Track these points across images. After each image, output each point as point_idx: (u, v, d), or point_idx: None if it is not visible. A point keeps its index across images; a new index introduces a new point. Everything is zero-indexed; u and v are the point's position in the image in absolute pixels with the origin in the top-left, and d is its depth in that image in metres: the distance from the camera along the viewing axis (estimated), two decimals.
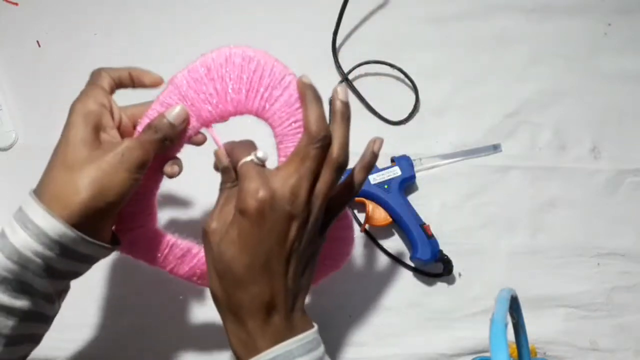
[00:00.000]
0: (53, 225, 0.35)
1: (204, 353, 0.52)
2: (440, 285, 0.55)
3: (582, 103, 0.62)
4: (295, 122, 0.40)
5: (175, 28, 0.65)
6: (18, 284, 0.36)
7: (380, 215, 0.55)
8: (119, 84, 0.43)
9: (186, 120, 0.40)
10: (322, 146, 0.37)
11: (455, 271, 0.55)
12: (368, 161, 0.43)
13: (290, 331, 0.36)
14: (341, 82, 0.61)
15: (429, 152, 0.59)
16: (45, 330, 0.41)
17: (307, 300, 0.54)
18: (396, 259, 0.56)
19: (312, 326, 0.38)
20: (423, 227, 0.54)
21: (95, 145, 0.38)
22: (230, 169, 0.39)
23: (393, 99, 0.62)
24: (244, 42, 0.64)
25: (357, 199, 0.55)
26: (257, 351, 0.35)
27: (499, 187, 0.58)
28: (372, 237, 0.56)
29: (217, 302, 0.37)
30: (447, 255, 0.54)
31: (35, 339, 0.41)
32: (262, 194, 0.34)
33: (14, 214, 0.38)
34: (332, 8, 0.62)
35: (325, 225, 0.39)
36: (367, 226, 0.55)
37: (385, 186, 0.55)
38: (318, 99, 0.39)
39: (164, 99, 0.41)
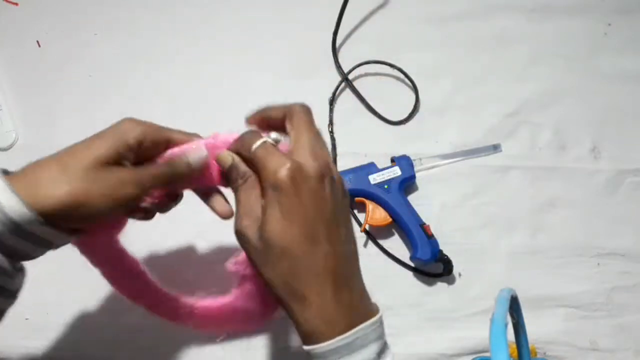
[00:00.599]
0: (10, 200, 0.35)
1: (204, 352, 0.52)
2: (440, 285, 0.55)
3: (582, 103, 0.62)
4: None
5: (175, 28, 0.65)
6: None
7: (380, 215, 0.55)
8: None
9: (203, 166, 0.40)
10: (311, 112, 0.38)
11: (455, 271, 0.55)
12: None
13: (361, 309, 0.36)
14: (341, 82, 0.61)
15: (429, 152, 0.59)
16: (8, 305, 0.40)
17: None
18: (396, 259, 0.56)
19: (377, 308, 0.37)
20: (423, 227, 0.54)
21: (101, 167, 0.38)
22: (238, 165, 0.38)
23: (393, 99, 0.62)
24: (244, 42, 0.64)
25: (357, 199, 0.55)
26: (335, 331, 0.34)
27: (499, 187, 0.58)
28: (372, 237, 0.56)
29: (279, 293, 0.36)
30: (447, 255, 0.54)
31: None
32: (289, 164, 0.34)
33: None
34: (332, 8, 0.62)
35: None
36: (367, 226, 0.55)
37: (385, 186, 0.55)
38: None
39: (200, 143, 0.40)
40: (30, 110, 0.63)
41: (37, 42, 0.65)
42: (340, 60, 0.62)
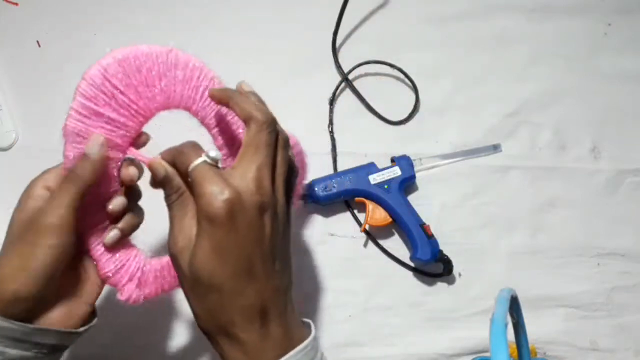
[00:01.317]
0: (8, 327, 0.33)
1: (201, 351, 0.52)
2: (440, 285, 0.55)
3: (582, 103, 0.62)
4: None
5: (176, 28, 0.65)
6: None
7: (380, 215, 0.55)
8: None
9: (103, 146, 0.37)
10: (272, 130, 0.35)
11: (455, 271, 0.55)
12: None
13: (289, 340, 0.34)
14: (341, 82, 0.61)
15: (429, 152, 0.59)
16: None
17: (307, 301, 0.55)
18: (396, 259, 0.56)
19: (309, 330, 0.36)
20: (423, 227, 0.54)
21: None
22: (172, 178, 0.35)
23: (393, 99, 0.62)
24: (244, 42, 0.64)
25: (357, 199, 0.55)
26: None
27: (499, 187, 0.58)
28: (372, 237, 0.56)
29: (204, 325, 0.34)
30: (447, 255, 0.54)
31: None
32: (227, 194, 0.31)
33: None
34: (332, 8, 0.61)
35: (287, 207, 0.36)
36: (367, 226, 0.55)
37: (385, 186, 0.55)
38: (243, 92, 0.38)
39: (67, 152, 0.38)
40: (30, 110, 0.63)
41: (37, 42, 0.65)
42: (340, 60, 0.62)
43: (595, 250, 0.56)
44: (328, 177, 0.56)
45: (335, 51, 0.62)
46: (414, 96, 0.61)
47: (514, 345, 0.44)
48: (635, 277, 0.56)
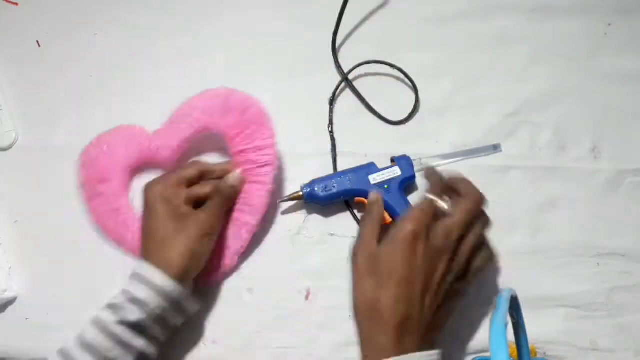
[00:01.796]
0: (169, 284, 0.45)
1: (202, 353, 0.52)
2: None
3: (582, 103, 0.62)
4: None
5: (176, 28, 0.65)
6: (139, 328, 0.45)
7: None
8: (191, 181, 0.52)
9: (243, 182, 0.53)
10: (477, 209, 0.45)
11: None
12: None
13: (417, 349, 0.40)
14: (341, 82, 0.61)
15: (429, 152, 0.59)
16: None
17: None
18: None
19: (436, 352, 0.41)
20: None
21: (177, 218, 0.48)
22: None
23: (393, 99, 0.62)
24: (245, 42, 0.64)
25: (357, 199, 0.55)
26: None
27: (499, 187, 0.58)
28: None
29: (355, 311, 0.44)
30: None
31: None
32: (424, 223, 0.42)
33: (130, 276, 0.47)
34: (332, 8, 0.61)
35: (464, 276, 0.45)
36: None
37: (385, 186, 0.55)
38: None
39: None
40: (30, 110, 0.63)
41: (37, 42, 0.65)
42: (340, 60, 0.62)
43: (595, 250, 0.56)
44: (328, 177, 0.56)
45: (335, 51, 0.62)
46: (414, 96, 0.61)
47: (514, 345, 0.44)
48: (635, 277, 0.55)
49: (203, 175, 0.53)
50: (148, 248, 0.48)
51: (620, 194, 0.58)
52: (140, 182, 0.56)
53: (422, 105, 0.61)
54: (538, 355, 0.52)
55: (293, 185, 0.57)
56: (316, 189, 0.55)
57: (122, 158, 0.56)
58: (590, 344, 0.53)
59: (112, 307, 0.45)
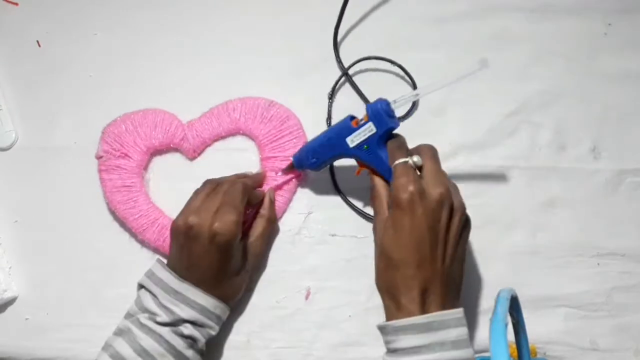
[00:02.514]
0: (225, 310, 0.49)
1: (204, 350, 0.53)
2: None
3: (582, 103, 0.62)
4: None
5: (176, 28, 0.65)
6: (191, 341, 0.47)
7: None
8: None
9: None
10: (435, 149, 0.47)
11: None
12: None
13: (444, 309, 0.41)
14: (341, 76, 0.61)
15: None
16: None
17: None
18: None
19: (460, 309, 0.41)
20: None
21: (242, 258, 0.50)
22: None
23: (392, 95, 0.61)
24: (246, 38, 0.64)
25: (360, 165, 0.51)
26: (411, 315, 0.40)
27: (499, 187, 0.58)
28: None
29: (378, 282, 0.44)
30: None
31: None
32: (412, 187, 0.41)
33: (169, 292, 0.47)
34: (335, 3, 0.61)
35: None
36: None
37: (365, 146, 0.48)
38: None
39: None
40: (30, 110, 0.63)
41: (37, 42, 0.65)
42: (341, 55, 0.62)
43: (595, 250, 0.56)
44: (309, 146, 0.53)
45: (336, 46, 0.62)
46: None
47: (514, 345, 0.44)
48: (635, 277, 0.55)
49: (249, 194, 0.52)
50: (205, 277, 0.47)
51: (620, 194, 0.58)
52: (160, 163, 0.59)
53: (422, 105, 0.61)
54: (538, 355, 0.52)
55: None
56: (302, 158, 0.54)
57: (146, 138, 0.57)
58: (590, 344, 0.53)
59: (175, 330, 0.46)
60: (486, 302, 0.54)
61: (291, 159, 0.56)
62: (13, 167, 0.61)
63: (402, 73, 0.62)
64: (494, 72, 0.63)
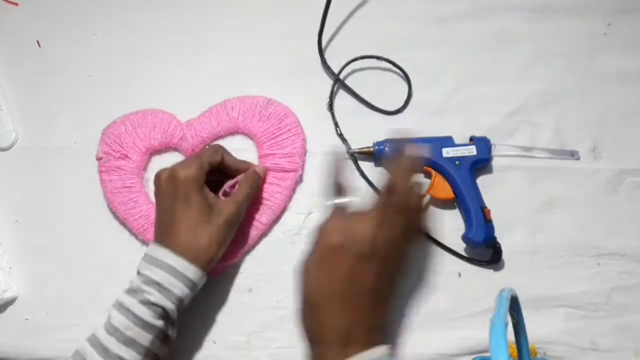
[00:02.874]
0: (200, 276, 0.47)
1: (204, 353, 0.52)
2: (441, 285, 0.55)
3: (582, 103, 0.62)
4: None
5: (176, 28, 0.65)
6: (161, 310, 0.45)
7: (443, 189, 0.55)
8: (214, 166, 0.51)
9: (265, 177, 0.56)
10: (397, 202, 0.44)
11: (455, 271, 0.55)
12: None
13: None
14: (334, 83, 0.61)
15: None
16: (165, 352, 0.47)
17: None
18: (442, 245, 0.56)
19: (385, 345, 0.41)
20: (483, 210, 0.54)
21: (206, 208, 0.48)
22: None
23: (391, 93, 0.62)
24: (245, 38, 0.64)
25: (425, 167, 0.56)
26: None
27: (499, 187, 0.58)
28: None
29: (300, 326, 0.43)
30: (499, 244, 0.54)
31: (157, 358, 0.47)
32: (338, 236, 0.41)
33: (150, 260, 0.46)
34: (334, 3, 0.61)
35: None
36: (428, 196, 0.55)
37: (457, 162, 0.55)
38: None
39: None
40: (30, 110, 0.63)
41: (37, 42, 0.65)
42: (331, 60, 0.62)
43: (595, 250, 0.56)
44: (402, 140, 0.55)
45: (321, 52, 0.62)
46: (406, 86, 0.62)
47: (514, 345, 0.44)
48: (635, 277, 0.55)
49: (225, 166, 0.53)
50: (172, 233, 0.47)
51: (620, 194, 0.58)
52: (160, 163, 0.57)
53: (422, 105, 0.62)
54: (538, 355, 0.52)
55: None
56: (386, 148, 0.56)
57: (145, 139, 0.57)
58: (590, 344, 0.53)
59: (132, 291, 0.46)
60: (486, 302, 0.54)
61: (371, 147, 0.57)
62: (13, 167, 0.61)
63: (391, 67, 0.62)
64: (494, 72, 0.63)
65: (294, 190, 0.57)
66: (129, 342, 0.44)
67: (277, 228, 0.57)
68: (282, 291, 0.54)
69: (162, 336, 0.46)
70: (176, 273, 0.45)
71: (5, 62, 0.65)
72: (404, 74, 0.62)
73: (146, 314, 0.44)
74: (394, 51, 0.62)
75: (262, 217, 0.55)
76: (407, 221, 0.44)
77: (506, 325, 0.33)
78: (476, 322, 0.53)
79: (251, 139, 0.59)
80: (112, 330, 0.44)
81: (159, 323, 0.45)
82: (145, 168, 0.58)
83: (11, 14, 0.67)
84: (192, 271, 0.46)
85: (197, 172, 0.48)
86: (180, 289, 0.45)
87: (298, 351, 0.53)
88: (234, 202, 0.49)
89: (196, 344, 0.53)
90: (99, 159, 0.57)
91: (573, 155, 0.59)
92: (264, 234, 0.56)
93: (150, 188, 0.57)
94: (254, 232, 0.55)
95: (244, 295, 0.54)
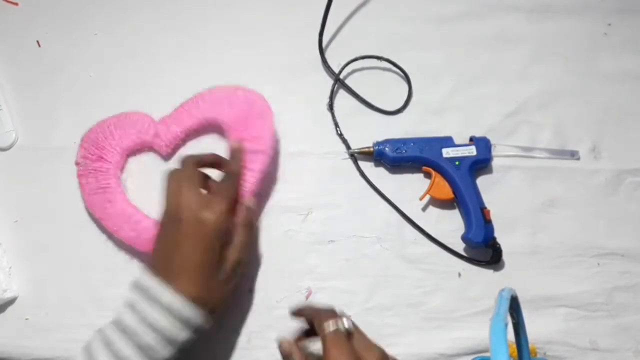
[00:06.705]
0: (200, 318, 0.45)
1: (203, 352, 0.52)
2: (441, 285, 0.55)
3: (582, 103, 0.62)
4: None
5: (176, 28, 0.65)
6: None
7: (443, 189, 0.55)
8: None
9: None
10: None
11: (455, 271, 0.55)
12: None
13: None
14: (334, 83, 0.61)
15: None
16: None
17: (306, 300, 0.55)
18: (440, 244, 0.56)
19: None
20: (483, 210, 0.54)
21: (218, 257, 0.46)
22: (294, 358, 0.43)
23: (390, 92, 0.62)
24: (244, 38, 0.64)
25: (425, 167, 0.57)
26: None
27: (499, 187, 0.58)
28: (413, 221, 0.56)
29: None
30: (499, 244, 0.54)
31: None
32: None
33: (152, 296, 0.44)
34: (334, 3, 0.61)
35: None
36: (427, 197, 0.55)
37: (457, 162, 0.55)
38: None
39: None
40: (30, 110, 0.63)
41: (37, 42, 0.65)
42: (332, 59, 0.62)
43: (595, 250, 0.56)
44: (402, 140, 0.57)
45: (322, 52, 0.62)
46: (406, 85, 0.62)
47: (514, 345, 0.44)
48: (635, 277, 0.56)
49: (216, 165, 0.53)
50: (186, 276, 0.45)
51: (620, 194, 0.58)
52: (136, 163, 0.59)
53: (422, 105, 0.62)
54: (538, 355, 0.52)
55: (285, 184, 0.58)
56: (386, 149, 0.56)
57: (119, 140, 0.58)
58: (590, 344, 0.53)
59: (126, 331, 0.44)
60: (486, 302, 0.54)
61: (371, 147, 0.56)
62: (13, 167, 0.61)
63: (391, 67, 0.62)
64: (494, 72, 0.63)
65: (267, 174, 0.54)
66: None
67: (277, 228, 0.57)
68: (282, 291, 0.55)
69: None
70: (188, 325, 0.44)
71: (5, 62, 0.65)
72: (404, 74, 0.62)
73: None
74: (394, 51, 0.62)
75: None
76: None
77: (506, 325, 0.33)
78: (476, 322, 0.53)
79: (223, 132, 0.57)
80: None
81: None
82: (122, 169, 0.58)
83: (11, 14, 0.66)
84: (200, 316, 0.45)
85: (225, 221, 0.46)
86: (182, 335, 0.44)
87: None
88: (237, 251, 0.47)
89: (196, 344, 0.53)
90: (77, 164, 0.57)
91: (573, 155, 0.59)
92: (256, 232, 0.56)
93: (127, 188, 0.57)
94: None
95: (244, 295, 0.54)
